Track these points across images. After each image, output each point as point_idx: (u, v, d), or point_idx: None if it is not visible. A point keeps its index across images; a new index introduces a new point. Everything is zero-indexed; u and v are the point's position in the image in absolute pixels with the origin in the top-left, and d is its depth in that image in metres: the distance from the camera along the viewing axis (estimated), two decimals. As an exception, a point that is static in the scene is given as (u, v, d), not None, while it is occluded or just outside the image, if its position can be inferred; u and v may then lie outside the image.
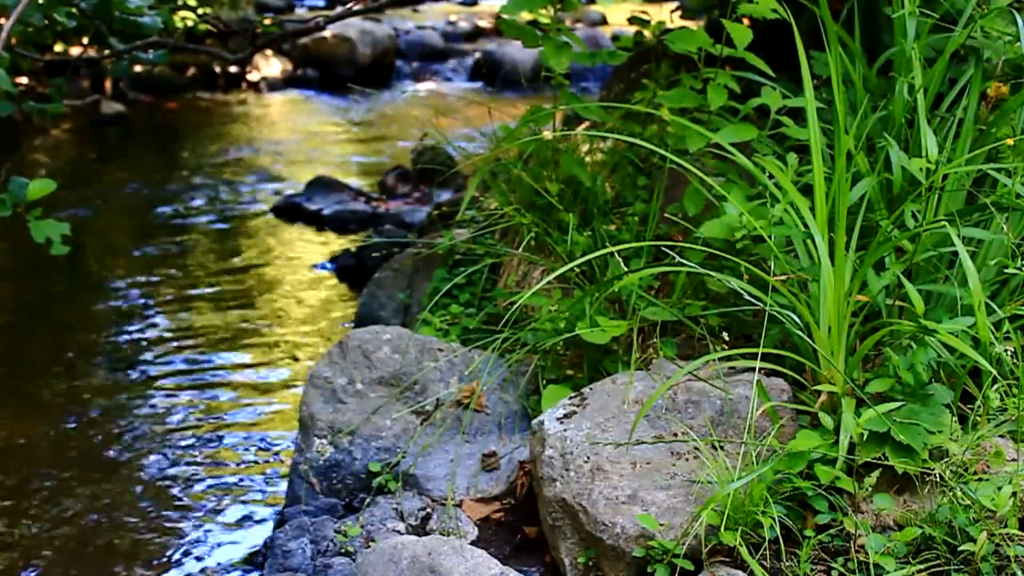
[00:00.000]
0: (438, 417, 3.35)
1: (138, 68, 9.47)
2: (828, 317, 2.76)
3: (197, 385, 4.59)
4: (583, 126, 4.61)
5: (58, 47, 8.59)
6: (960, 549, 2.43)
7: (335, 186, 7.03)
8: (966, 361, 2.69)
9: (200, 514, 3.65)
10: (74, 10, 5.31)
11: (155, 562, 3.39)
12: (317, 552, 3.07)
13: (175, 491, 3.79)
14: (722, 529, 2.48)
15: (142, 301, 5.49)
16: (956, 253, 2.72)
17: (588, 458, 2.78)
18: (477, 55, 11.44)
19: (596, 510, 2.67)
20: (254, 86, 10.58)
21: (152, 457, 4.01)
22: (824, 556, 2.56)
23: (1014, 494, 2.41)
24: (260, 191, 7.36)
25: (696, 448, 2.76)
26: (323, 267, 5.96)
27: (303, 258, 6.14)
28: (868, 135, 3.25)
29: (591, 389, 3.06)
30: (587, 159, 4.11)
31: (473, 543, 2.98)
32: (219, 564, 3.37)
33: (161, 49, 6.19)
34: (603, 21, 12.87)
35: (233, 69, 10.40)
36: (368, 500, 3.21)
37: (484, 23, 12.62)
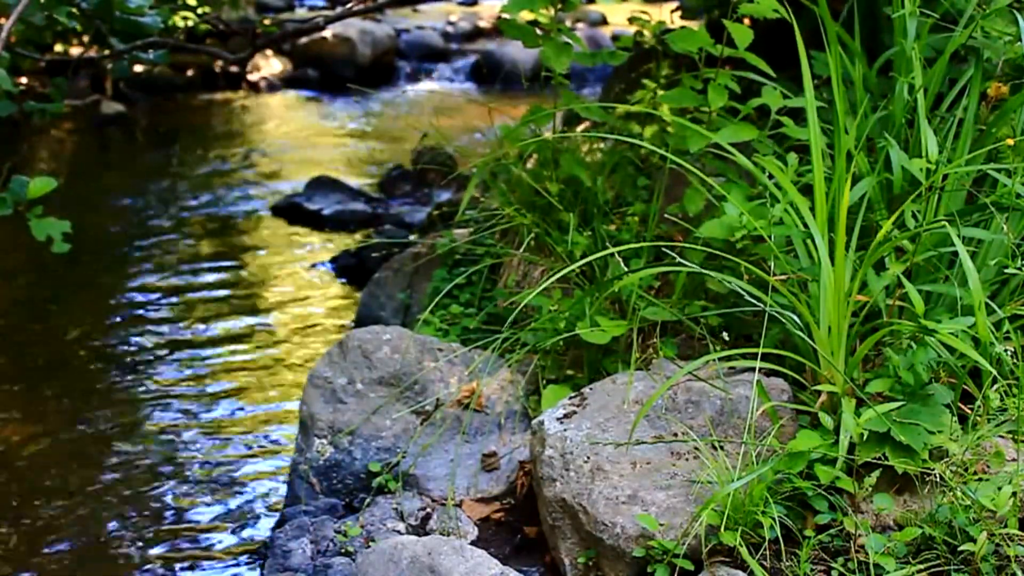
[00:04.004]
0: (438, 417, 3.35)
1: (138, 68, 9.47)
2: (828, 317, 2.76)
3: (196, 384, 4.59)
4: (583, 126, 4.61)
5: (58, 47, 8.60)
6: (960, 549, 2.43)
7: (335, 186, 7.02)
8: (966, 361, 2.69)
9: (200, 514, 3.65)
10: (74, 10, 5.31)
11: (155, 562, 3.39)
12: (317, 552, 3.07)
13: (175, 491, 3.79)
14: (722, 529, 2.48)
15: (141, 300, 5.49)
16: (956, 253, 2.72)
17: (588, 458, 2.78)
18: (477, 55, 11.44)
19: (596, 510, 2.67)
20: (254, 86, 10.58)
21: (151, 457, 4.01)
22: (824, 556, 2.56)
23: (1014, 494, 2.41)
24: (260, 191, 7.36)
25: (696, 448, 2.76)
26: (323, 267, 5.96)
27: (303, 258, 6.14)
28: (868, 135, 3.25)
29: (591, 389, 3.06)
30: (587, 159, 4.11)
31: (473, 543, 2.98)
32: (219, 564, 3.37)
33: (161, 49, 6.20)
34: (603, 21, 12.87)
35: (233, 69, 10.39)
36: (368, 500, 3.21)
37: (484, 23, 12.61)
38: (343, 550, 3.05)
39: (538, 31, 3.85)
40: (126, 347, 4.95)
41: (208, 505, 3.70)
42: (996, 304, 2.80)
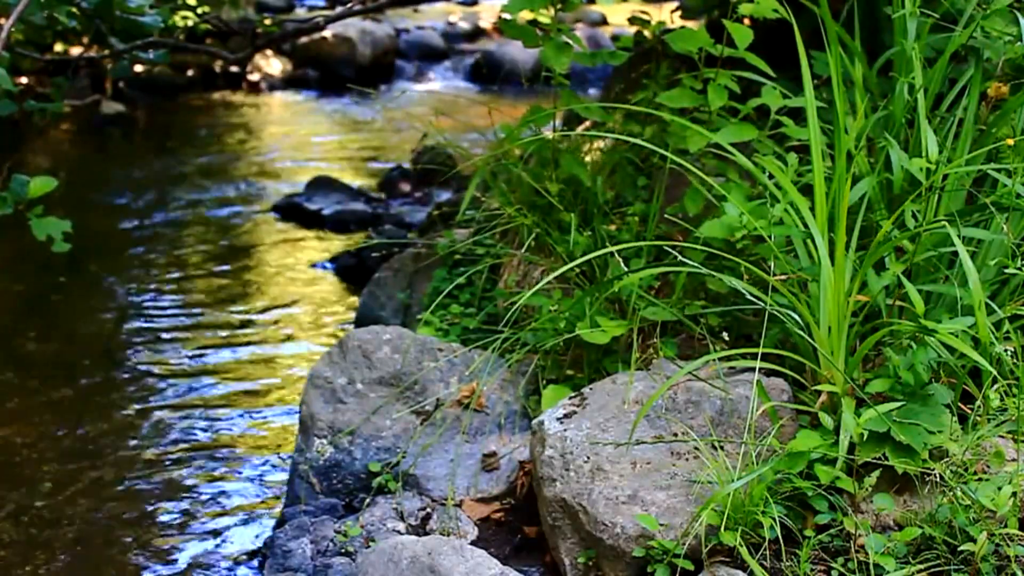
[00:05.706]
0: (438, 417, 3.35)
1: (138, 68, 9.47)
2: (828, 317, 2.76)
3: (196, 384, 4.59)
4: (583, 126, 4.61)
5: (58, 47, 8.59)
6: (960, 549, 2.43)
7: (335, 186, 7.02)
8: (966, 361, 2.69)
9: (200, 514, 3.65)
10: (74, 10, 5.31)
11: (155, 562, 3.39)
12: (317, 552, 3.07)
13: (175, 491, 3.79)
14: (722, 529, 2.49)
15: (142, 300, 5.49)
16: (956, 253, 2.72)
17: (588, 458, 2.78)
18: (477, 55, 11.43)
19: (596, 510, 2.67)
20: (254, 86, 10.57)
21: (151, 456, 4.01)
22: (824, 556, 2.56)
23: (1014, 494, 2.41)
24: (260, 191, 7.35)
25: (696, 448, 2.76)
26: (323, 267, 5.96)
27: (303, 258, 6.14)
28: (868, 135, 3.25)
29: (591, 389, 3.06)
30: (587, 159, 4.11)
31: (473, 543, 2.98)
32: (219, 564, 3.37)
33: (161, 49, 6.20)
34: (603, 21, 12.86)
35: (233, 69, 10.38)
36: (368, 500, 3.21)
37: (484, 23, 12.61)
38: (343, 550, 3.05)
39: (538, 31, 3.85)
40: (125, 347, 4.95)
41: (208, 505, 3.70)
42: (996, 304, 2.80)
